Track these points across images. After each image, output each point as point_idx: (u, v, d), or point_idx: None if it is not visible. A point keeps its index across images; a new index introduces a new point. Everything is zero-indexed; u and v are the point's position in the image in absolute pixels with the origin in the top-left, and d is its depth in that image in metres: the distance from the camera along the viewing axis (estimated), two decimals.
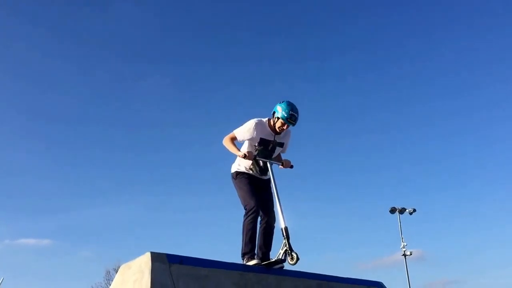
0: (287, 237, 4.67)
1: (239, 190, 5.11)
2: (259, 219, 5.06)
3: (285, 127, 5.05)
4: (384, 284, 5.92)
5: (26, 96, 53.62)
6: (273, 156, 5.23)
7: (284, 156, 5.39)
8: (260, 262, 4.79)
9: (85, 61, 53.16)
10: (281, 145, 5.25)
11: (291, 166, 5.27)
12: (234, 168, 5.26)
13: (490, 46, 50.19)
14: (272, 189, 5.02)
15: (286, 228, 4.72)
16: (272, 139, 5.15)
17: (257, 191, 5.06)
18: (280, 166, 5.24)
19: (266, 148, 5.11)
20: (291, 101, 5.10)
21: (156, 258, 3.91)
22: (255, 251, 4.96)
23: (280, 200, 4.90)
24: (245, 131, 5.06)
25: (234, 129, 5.13)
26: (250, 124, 5.07)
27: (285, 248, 4.66)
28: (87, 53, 53.46)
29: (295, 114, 5.02)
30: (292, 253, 4.60)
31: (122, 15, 50.81)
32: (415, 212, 29.83)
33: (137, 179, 54.92)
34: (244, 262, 4.85)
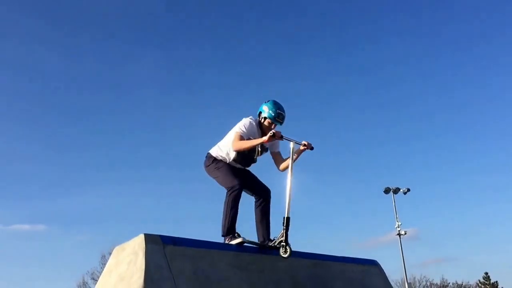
0: (286, 229, 4.59)
1: (218, 173, 4.90)
2: (254, 201, 5.01)
3: (272, 127, 4.88)
4: (379, 263, 5.96)
5: (24, 85, 53.35)
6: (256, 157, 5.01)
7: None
8: (243, 240, 4.64)
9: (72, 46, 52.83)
10: (266, 150, 5.03)
11: (312, 148, 4.94)
12: (215, 153, 5.01)
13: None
14: (288, 173, 4.75)
15: (288, 219, 4.61)
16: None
17: (237, 173, 4.89)
18: (301, 146, 4.89)
19: (254, 150, 4.88)
20: (277, 100, 4.97)
21: (150, 239, 3.89)
22: (236, 231, 4.77)
23: (292, 189, 4.67)
24: (247, 129, 4.82)
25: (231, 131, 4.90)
26: (247, 121, 4.86)
27: (281, 239, 4.59)
28: (75, 39, 53.15)
29: (283, 113, 4.91)
30: (287, 247, 4.54)
31: None
32: (409, 192, 30.13)
33: (130, 163, 55.02)
34: (226, 241, 4.67)
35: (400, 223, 29.06)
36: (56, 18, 55.33)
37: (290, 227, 4.60)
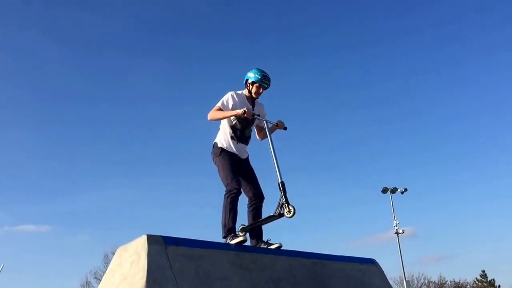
0: (284, 191, 4.73)
1: (221, 168, 5.03)
2: (247, 202, 5.11)
3: (261, 90, 5.19)
4: (377, 261, 6.03)
5: (26, 79, 53.23)
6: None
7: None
8: (245, 239, 4.73)
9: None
10: (253, 123, 5.29)
11: (285, 128, 5.35)
12: (217, 140, 5.22)
13: None
14: (269, 146, 5.07)
15: (282, 183, 4.79)
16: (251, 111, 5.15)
17: (239, 172, 5.06)
18: (275, 125, 5.29)
19: (246, 120, 5.14)
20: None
21: (153, 240, 3.96)
22: (237, 231, 4.93)
23: (276, 156, 4.95)
24: (227, 100, 5.11)
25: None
26: (228, 95, 5.16)
27: (282, 201, 4.71)
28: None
29: (267, 75, 5.20)
30: (289, 206, 4.64)
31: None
32: (407, 191, 30.23)
33: (133, 162, 55.08)
34: (228, 241, 4.76)
35: (398, 222, 29.22)
36: (57, 32, 55.25)
37: (287, 190, 4.76)
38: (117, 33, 56.82)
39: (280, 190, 4.75)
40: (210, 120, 5.12)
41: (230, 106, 5.08)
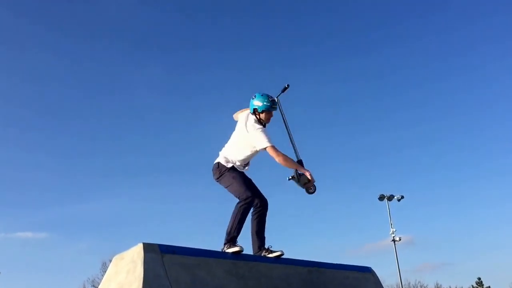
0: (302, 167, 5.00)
1: (234, 181, 4.94)
2: (252, 209, 5.03)
3: (270, 116, 5.16)
4: (373, 269, 6.04)
5: (23, 90, 53.31)
6: None
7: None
8: (242, 249, 4.70)
9: (77, 54, 52.94)
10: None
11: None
12: (224, 162, 5.05)
13: None
14: (285, 125, 5.30)
15: (300, 161, 5.10)
16: None
17: (250, 183, 5.02)
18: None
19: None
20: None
21: (149, 248, 3.95)
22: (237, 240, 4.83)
23: (292, 136, 5.26)
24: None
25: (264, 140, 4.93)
26: (264, 128, 5.02)
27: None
28: (81, 46, 53.20)
29: (274, 98, 5.18)
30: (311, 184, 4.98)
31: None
32: (404, 199, 30.28)
33: (131, 171, 55.04)
34: (225, 249, 4.70)
35: (394, 230, 29.22)
36: (55, 23, 55.26)
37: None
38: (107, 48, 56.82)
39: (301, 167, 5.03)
40: (285, 166, 4.91)
41: None
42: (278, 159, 4.85)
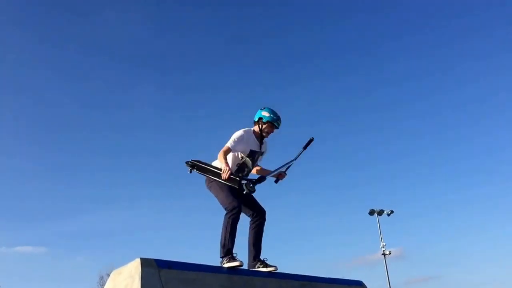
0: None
1: (220, 190, 5.00)
2: (249, 220, 5.16)
3: (273, 130, 5.28)
4: (365, 283, 6.15)
5: (23, 105, 53.18)
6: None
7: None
8: (241, 263, 4.74)
9: (78, 68, 53.13)
10: (262, 154, 5.41)
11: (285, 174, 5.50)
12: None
13: None
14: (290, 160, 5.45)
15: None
16: (259, 149, 5.28)
17: (237, 194, 5.00)
18: (277, 174, 5.43)
19: (253, 159, 5.22)
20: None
21: (146, 263, 4.02)
22: (234, 252, 4.85)
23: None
24: (237, 143, 5.07)
25: (227, 140, 5.08)
26: (240, 135, 5.11)
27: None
28: (80, 59, 53.33)
29: (280, 117, 5.31)
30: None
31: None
32: (393, 213, 30.49)
33: (129, 185, 54.99)
34: (224, 263, 4.74)
35: (384, 244, 29.39)
36: (58, 39, 55.17)
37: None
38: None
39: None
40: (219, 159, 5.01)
41: (240, 149, 5.12)
42: (219, 154, 4.97)
